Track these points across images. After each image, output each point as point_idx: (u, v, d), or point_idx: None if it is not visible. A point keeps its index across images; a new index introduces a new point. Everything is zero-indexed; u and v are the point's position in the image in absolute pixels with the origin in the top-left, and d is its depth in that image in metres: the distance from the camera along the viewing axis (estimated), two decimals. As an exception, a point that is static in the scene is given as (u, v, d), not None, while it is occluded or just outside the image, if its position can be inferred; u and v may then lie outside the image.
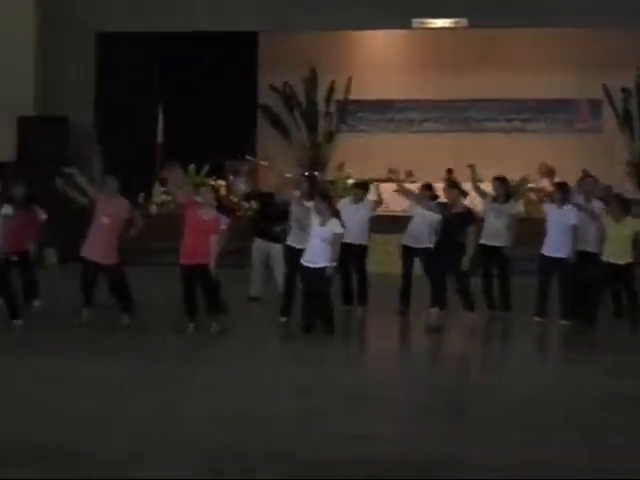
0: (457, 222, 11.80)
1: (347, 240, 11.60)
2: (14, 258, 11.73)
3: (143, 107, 20.81)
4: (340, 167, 22.15)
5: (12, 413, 7.32)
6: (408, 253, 12.75)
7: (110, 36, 20.35)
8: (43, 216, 12.58)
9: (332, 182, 20.67)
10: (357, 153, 22.33)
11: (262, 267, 13.29)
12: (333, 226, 10.88)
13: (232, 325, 11.43)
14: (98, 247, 11.19)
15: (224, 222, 11.38)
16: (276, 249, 12.92)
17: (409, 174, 21.32)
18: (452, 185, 12.49)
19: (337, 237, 10.89)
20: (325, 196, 11.36)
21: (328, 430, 6.97)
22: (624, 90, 21.99)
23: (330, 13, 19.80)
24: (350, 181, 20.74)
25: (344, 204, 12.70)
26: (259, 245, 13.28)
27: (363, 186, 13.35)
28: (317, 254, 10.82)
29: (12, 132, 19.95)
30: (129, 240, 11.57)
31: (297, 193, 12.06)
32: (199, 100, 22.09)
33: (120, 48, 20.53)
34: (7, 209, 11.27)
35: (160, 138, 20.95)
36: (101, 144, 20.11)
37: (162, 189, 19.87)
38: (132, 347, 10.34)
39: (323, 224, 10.87)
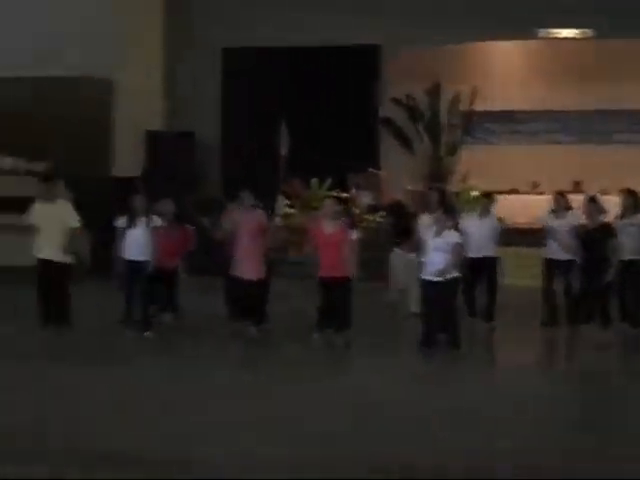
0: (598, 237, 11.50)
1: (474, 254, 11.50)
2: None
3: (267, 121, 21.02)
4: (464, 179, 21.93)
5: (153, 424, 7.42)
6: (552, 266, 12.64)
7: (235, 51, 20.67)
8: (193, 234, 12.62)
9: (457, 194, 20.49)
10: (481, 165, 22.06)
11: (403, 276, 13.12)
12: (450, 236, 10.71)
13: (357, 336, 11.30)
14: (246, 263, 11.27)
15: (353, 233, 11.19)
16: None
17: (535, 185, 21.06)
18: (592, 199, 12.19)
19: (456, 247, 10.71)
20: (449, 208, 11.24)
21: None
22: None
23: (455, 25, 19.71)
24: (474, 193, 20.59)
25: (469, 218, 12.54)
26: (397, 255, 13.21)
27: (488, 196, 13.20)
28: (436, 266, 10.67)
29: (141, 147, 20.43)
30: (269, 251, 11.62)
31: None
32: (322, 113, 22.20)
33: (245, 63, 20.83)
34: (157, 220, 11.40)
35: (284, 151, 21.11)
36: (225, 158, 20.41)
37: (285, 202, 20.01)
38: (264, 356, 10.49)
39: (439, 234, 10.73)
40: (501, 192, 20.33)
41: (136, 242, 11.23)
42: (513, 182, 21.10)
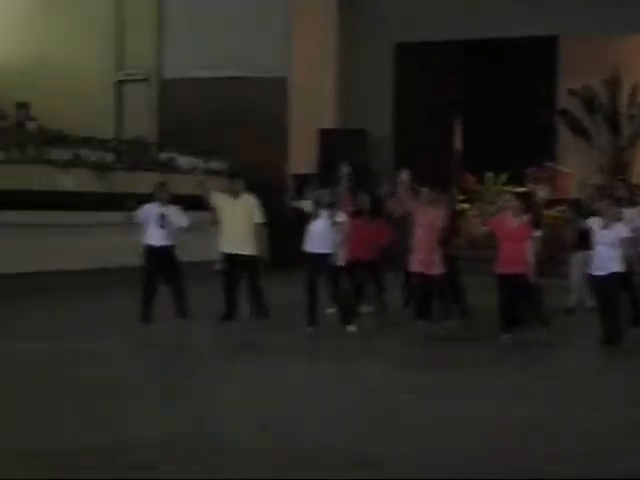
0: None
1: None
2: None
3: (440, 115, 20.81)
4: (645, 172, 21.20)
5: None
6: None
7: (408, 47, 20.55)
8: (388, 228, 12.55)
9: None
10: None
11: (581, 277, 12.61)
12: (618, 230, 10.19)
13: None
14: (420, 258, 11.18)
15: (536, 230, 10.85)
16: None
17: None
18: None
19: (624, 241, 10.16)
20: (620, 199, 10.74)
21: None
22: None
23: (633, 15, 19.03)
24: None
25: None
26: (580, 255, 12.54)
27: None
28: (604, 261, 10.20)
29: (315, 145, 20.57)
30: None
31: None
32: (497, 106, 21.86)
33: (417, 57, 20.69)
34: (341, 215, 11.42)
35: (458, 145, 20.85)
36: (398, 154, 20.32)
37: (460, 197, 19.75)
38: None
39: (606, 227, 10.23)
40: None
41: (320, 235, 11.25)
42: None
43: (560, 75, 23.16)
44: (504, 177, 20.01)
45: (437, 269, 11.16)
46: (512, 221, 10.53)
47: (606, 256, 10.16)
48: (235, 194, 11.93)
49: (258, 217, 11.86)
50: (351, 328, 11.24)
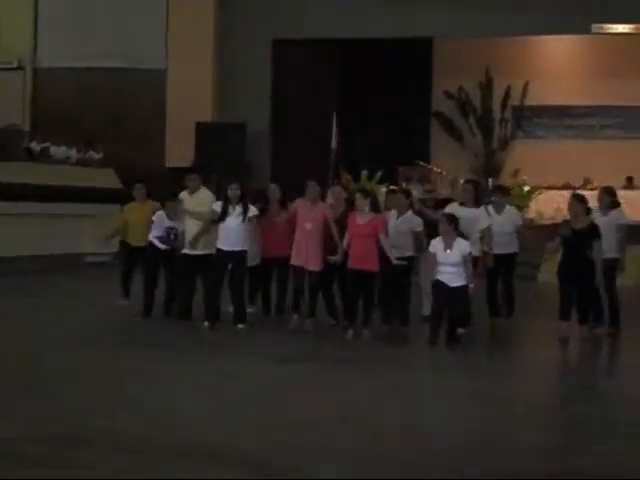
0: (584, 237, 10.99)
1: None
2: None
3: (317, 113, 21.01)
4: (515, 174, 21.78)
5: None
6: None
7: (286, 43, 20.68)
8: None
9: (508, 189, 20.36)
10: (533, 160, 21.94)
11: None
12: (460, 248, 10.49)
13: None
14: (305, 253, 11.20)
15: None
16: None
17: (587, 182, 20.86)
18: (580, 199, 11.47)
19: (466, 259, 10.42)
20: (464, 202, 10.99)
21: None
22: None
23: (507, 18, 19.57)
24: (526, 188, 20.42)
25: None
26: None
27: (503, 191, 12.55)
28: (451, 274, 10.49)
29: (191, 138, 20.52)
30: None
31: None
32: (373, 106, 22.19)
33: (296, 55, 20.84)
34: (254, 211, 11.26)
35: (334, 144, 21.08)
36: (276, 150, 20.45)
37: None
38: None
39: (449, 247, 10.45)
40: (554, 188, 20.30)
41: (231, 232, 11.16)
42: (565, 177, 20.90)
43: (435, 77, 23.64)
44: (379, 175, 20.29)
45: (319, 265, 11.24)
46: (361, 219, 10.71)
47: (453, 273, 10.29)
48: (192, 190, 11.80)
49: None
50: (240, 326, 11.26)
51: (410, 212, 11.12)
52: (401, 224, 10.98)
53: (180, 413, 7.28)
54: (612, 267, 11.27)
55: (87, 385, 8.17)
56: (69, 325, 11.26)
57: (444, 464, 6.08)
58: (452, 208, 11.13)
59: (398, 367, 9.36)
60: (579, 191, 13.14)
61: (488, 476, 5.89)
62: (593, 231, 10.77)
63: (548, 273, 15.54)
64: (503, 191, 12.14)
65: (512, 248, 11.65)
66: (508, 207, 11.78)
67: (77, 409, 7.23)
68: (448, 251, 10.06)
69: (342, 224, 10.93)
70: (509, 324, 11.80)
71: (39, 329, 11.02)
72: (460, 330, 10.53)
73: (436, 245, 10.15)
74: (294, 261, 11.26)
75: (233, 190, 11.08)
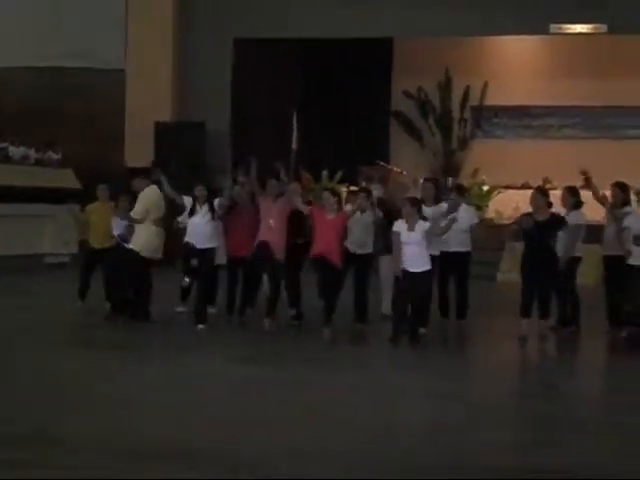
0: (545, 229, 11.08)
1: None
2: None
3: (278, 113, 20.98)
4: (474, 173, 21.91)
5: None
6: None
7: (246, 42, 20.62)
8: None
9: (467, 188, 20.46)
10: (492, 159, 22.04)
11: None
12: (421, 228, 10.69)
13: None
14: (270, 247, 11.26)
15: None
16: None
17: (546, 181, 20.96)
18: (542, 192, 11.54)
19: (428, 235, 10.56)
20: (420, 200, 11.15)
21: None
22: None
23: (467, 19, 19.66)
24: (485, 188, 20.54)
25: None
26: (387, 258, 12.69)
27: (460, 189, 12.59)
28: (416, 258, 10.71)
29: (150, 138, 20.38)
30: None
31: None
32: (333, 106, 22.21)
33: (256, 54, 20.78)
34: (221, 200, 11.30)
35: (294, 144, 21.07)
36: (236, 150, 20.36)
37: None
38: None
39: (412, 229, 10.62)
40: (513, 187, 20.42)
41: (198, 229, 11.24)
42: (524, 177, 21.00)
43: (396, 76, 23.69)
44: (339, 175, 20.32)
45: (282, 255, 11.31)
46: (329, 214, 10.89)
47: (416, 254, 10.39)
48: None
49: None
50: (200, 326, 11.24)
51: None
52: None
53: (149, 413, 7.26)
54: (573, 266, 11.41)
55: (51, 386, 8.13)
56: (25, 326, 11.21)
57: (412, 463, 6.11)
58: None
59: (360, 366, 9.42)
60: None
61: (455, 475, 5.92)
62: (555, 222, 10.91)
63: (508, 273, 15.64)
64: (460, 190, 12.24)
65: (465, 247, 11.76)
66: (465, 206, 11.86)
67: (43, 410, 7.19)
68: (411, 233, 10.30)
69: (296, 219, 11.29)
70: (466, 324, 11.88)
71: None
72: (421, 330, 10.62)
73: (400, 226, 10.42)
74: (257, 254, 11.33)
75: (199, 190, 11.24)
